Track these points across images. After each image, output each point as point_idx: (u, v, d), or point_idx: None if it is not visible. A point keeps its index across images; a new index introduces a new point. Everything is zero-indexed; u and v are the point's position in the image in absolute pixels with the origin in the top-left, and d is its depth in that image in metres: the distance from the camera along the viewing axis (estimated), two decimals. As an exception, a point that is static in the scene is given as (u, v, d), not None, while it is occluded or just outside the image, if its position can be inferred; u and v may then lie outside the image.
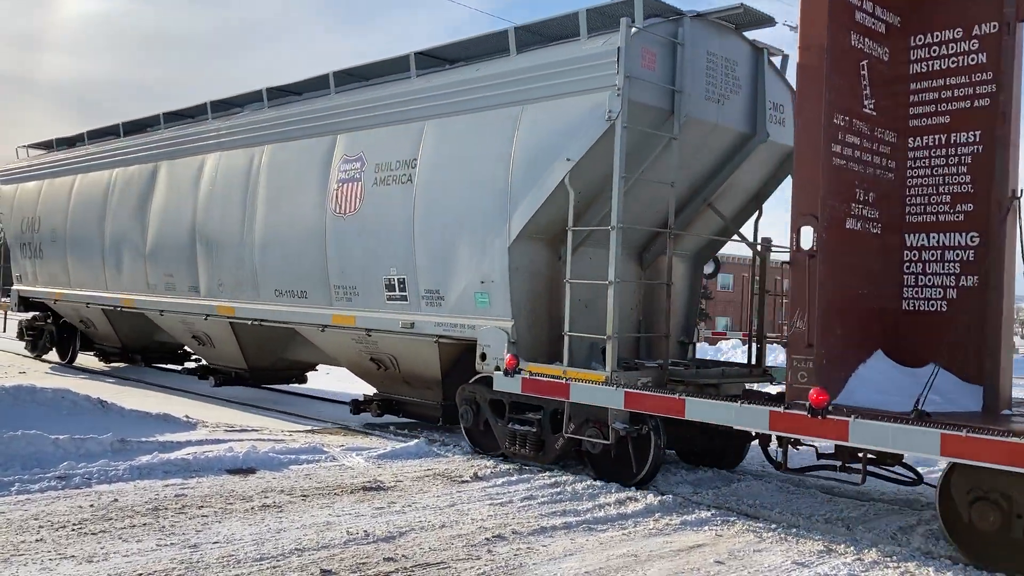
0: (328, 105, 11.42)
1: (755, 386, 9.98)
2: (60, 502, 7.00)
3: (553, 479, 8.41)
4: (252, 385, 14.18)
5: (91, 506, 6.90)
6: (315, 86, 12.09)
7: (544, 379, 8.42)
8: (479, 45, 10.07)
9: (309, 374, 14.69)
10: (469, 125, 9.55)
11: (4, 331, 20.55)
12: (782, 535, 6.81)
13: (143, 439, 9.29)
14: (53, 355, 19.22)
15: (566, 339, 8.53)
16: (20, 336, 19.82)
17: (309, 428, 11.29)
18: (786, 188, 9.54)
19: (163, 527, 6.38)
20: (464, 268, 9.44)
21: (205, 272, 13.19)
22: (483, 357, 9.16)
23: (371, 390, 11.64)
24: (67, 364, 18.40)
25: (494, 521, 6.84)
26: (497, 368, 8.86)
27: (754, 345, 9.92)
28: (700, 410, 7.35)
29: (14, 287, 19.21)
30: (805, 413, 6.45)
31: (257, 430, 10.77)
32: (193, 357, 17.02)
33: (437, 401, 10.39)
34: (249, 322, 12.52)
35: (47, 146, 18.92)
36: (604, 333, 8.30)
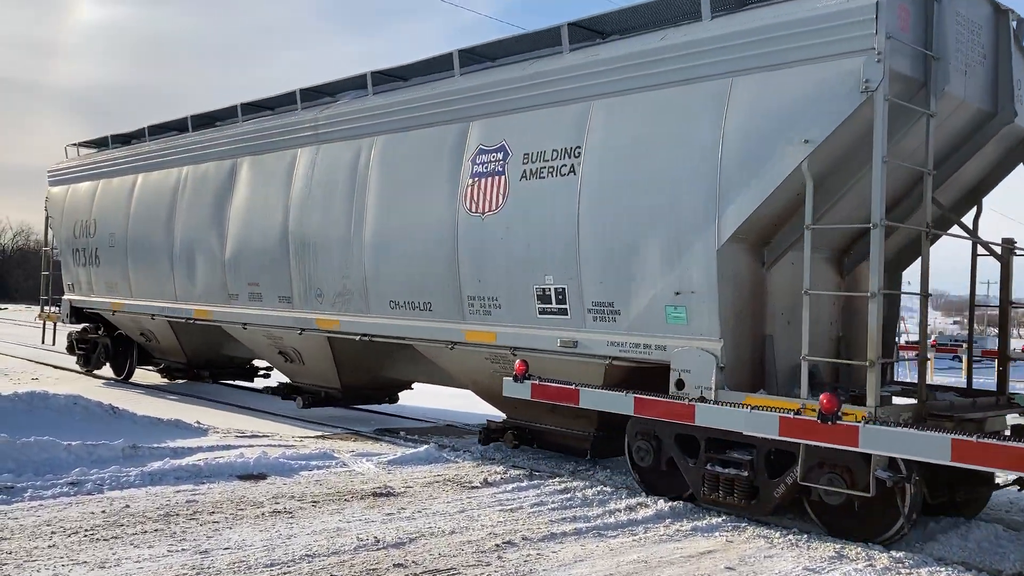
0: (455, 88, 9.86)
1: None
2: (72, 508, 7.04)
3: (563, 485, 8.40)
4: (343, 406, 12.79)
5: (103, 512, 6.93)
6: (428, 69, 10.74)
7: (553, 385, 8.39)
8: (652, 12, 8.53)
9: (402, 392, 13.11)
10: (655, 104, 8.06)
11: (53, 343, 18.48)
12: (793, 541, 6.78)
13: (155, 445, 9.32)
14: (107, 370, 17.41)
15: (804, 365, 7.04)
16: (70, 350, 17.79)
17: (319, 434, 11.31)
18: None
19: (174, 533, 6.40)
20: (650, 276, 7.97)
21: (299, 281, 11.57)
22: (679, 384, 7.68)
23: (475, 409, 10.57)
24: (123, 380, 16.69)
25: (504, 527, 6.84)
26: (702, 399, 7.47)
27: (968, 365, 8.73)
28: (710, 416, 7.30)
29: (65, 297, 17.41)
30: (815, 419, 6.42)
31: (268, 436, 10.80)
32: (262, 372, 16.03)
33: (588, 432, 9.04)
34: (357, 337, 10.91)
35: (100, 144, 17.17)
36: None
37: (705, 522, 7.24)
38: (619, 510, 7.55)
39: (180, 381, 16.41)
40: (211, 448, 9.55)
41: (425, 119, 10.13)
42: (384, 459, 9.30)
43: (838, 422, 6.28)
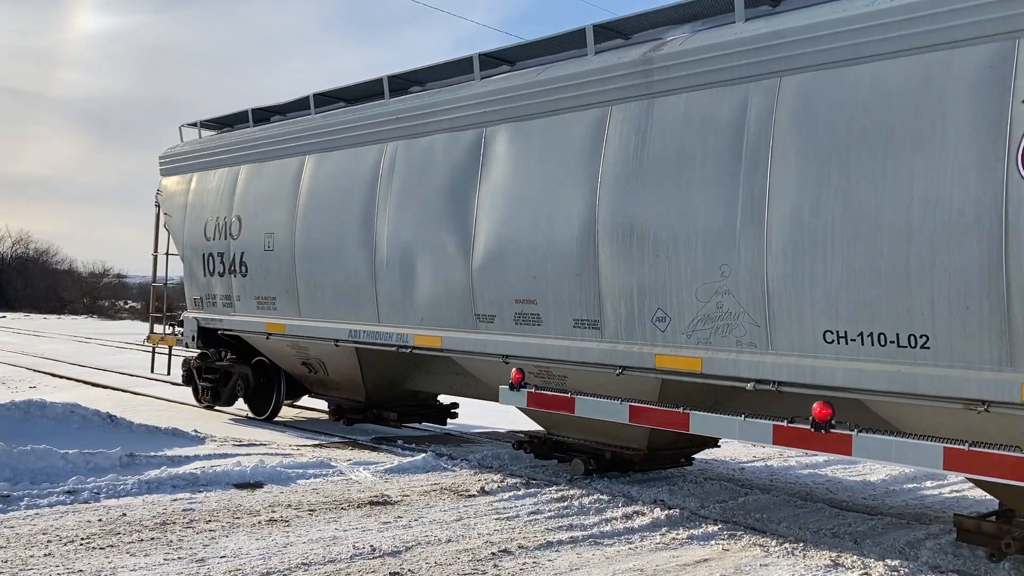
0: None
1: None
2: (69, 516, 7.04)
3: (560, 493, 8.41)
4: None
5: (99, 520, 6.94)
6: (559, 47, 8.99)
7: (549, 393, 8.41)
8: None
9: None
10: None
11: (168, 371, 15.20)
12: (789, 549, 6.79)
13: (152, 453, 9.33)
14: (231, 406, 14.00)
15: None
16: (189, 380, 14.32)
17: (317, 442, 11.31)
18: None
19: (170, 541, 6.41)
20: None
21: (618, 295, 7.90)
22: None
23: None
24: (266, 419, 13.06)
25: (500, 535, 6.85)
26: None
27: None
28: (704, 424, 7.32)
29: (189, 314, 13.64)
30: (808, 427, 6.43)
31: (265, 444, 10.81)
32: (453, 410, 12.39)
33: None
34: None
35: (233, 121, 13.63)
36: None
37: (701, 530, 7.25)
38: (616, 518, 7.55)
39: (355, 423, 12.33)
40: (208, 456, 9.55)
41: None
42: (381, 468, 9.31)
43: (831, 431, 6.29)
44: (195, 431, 11.22)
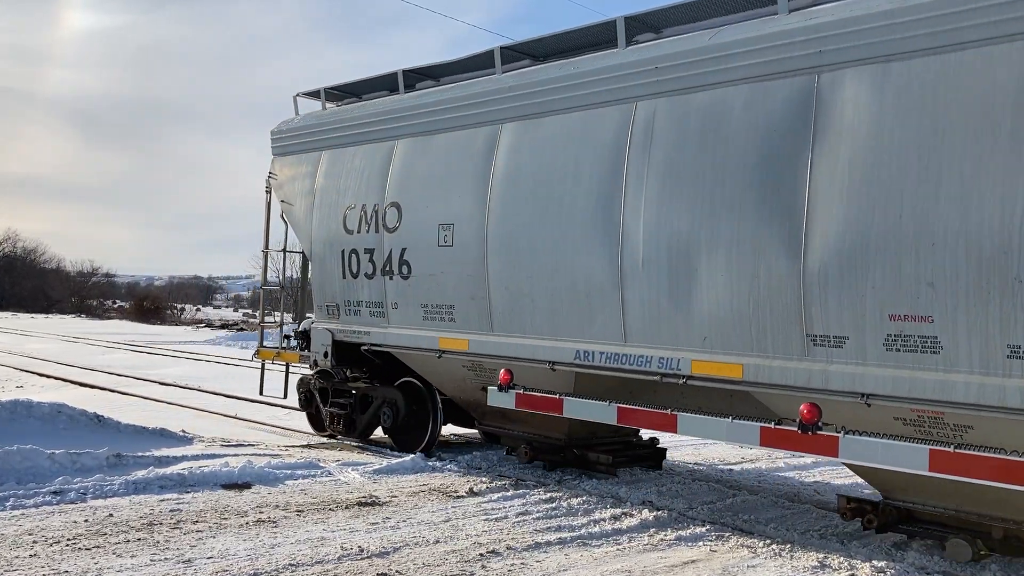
0: None
1: None
2: (55, 517, 7.01)
3: (549, 494, 8.41)
4: None
5: (86, 521, 6.91)
6: None
7: (537, 395, 8.41)
8: None
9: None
10: None
11: (285, 395, 12.25)
12: (776, 551, 6.81)
13: (139, 454, 9.29)
14: (362, 436, 11.29)
15: None
16: (305, 404, 11.79)
17: (305, 443, 11.29)
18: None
19: (157, 542, 6.38)
20: None
21: None
22: None
23: None
24: (422, 452, 10.26)
25: (489, 536, 6.85)
26: None
27: None
28: (692, 426, 7.34)
29: (319, 325, 11.12)
30: (796, 429, 6.46)
31: (253, 445, 10.78)
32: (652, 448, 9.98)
33: None
34: None
35: (370, 88, 11.27)
36: None
37: (689, 532, 7.27)
38: (604, 519, 7.56)
39: (557, 466, 9.73)
40: (196, 457, 9.52)
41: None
42: (370, 468, 9.30)
43: (818, 432, 6.32)
44: (183, 431, 11.18)
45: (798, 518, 8.04)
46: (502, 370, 8.73)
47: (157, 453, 9.55)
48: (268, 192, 12.18)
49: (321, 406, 11.52)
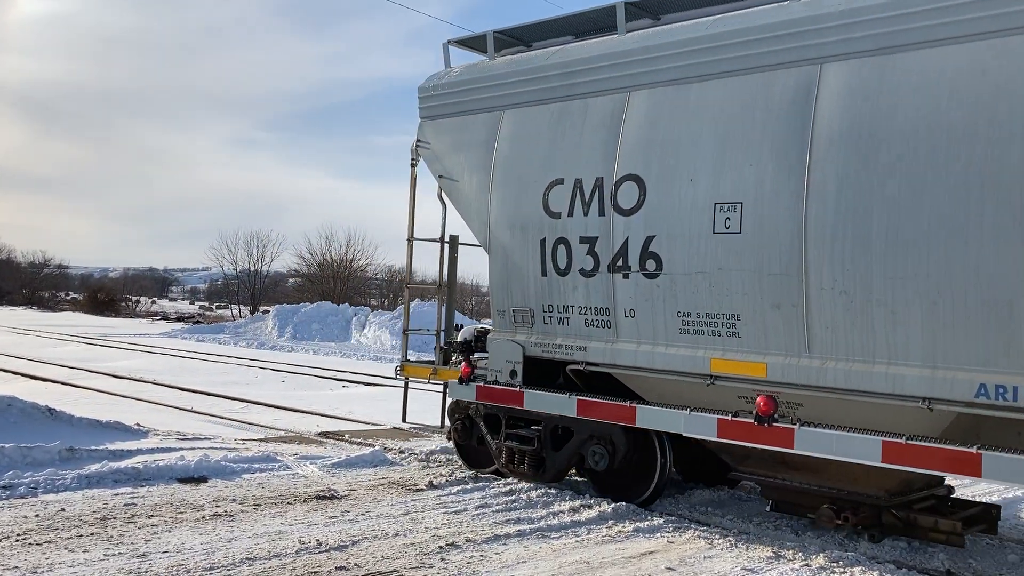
0: None
1: None
2: (4, 512, 6.87)
3: (508, 487, 8.43)
4: None
5: (36, 516, 6.78)
6: None
7: (498, 388, 8.42)
8: None
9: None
10: None
11: (441, 424, 9.91)
12: (733, 542, 6.90)
13: (92, 447, 9.13)
14: (554, 479, 8.65)
15: None
16: (462, 434, 9.14)
17: (262, 437, 11.18)
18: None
19: (111, 537, 6.28)
20: None
21: None
22: None
23: None
24: (642, 504, 8.04)
25: (448, 529, 6.85)
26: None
27: None
28: (650, 417, 7.41)
29: (497, 335, 8.77)
30: (752, 421, 6.54)
31: (210, 439, 10.65)
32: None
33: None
34: None
35: (555, 30, 8.87)
36: None
37: (647, 523, 7.33)
38: (563, 511, 7.60)
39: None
40: (151, 451, 9.39)
41: None
42: (328, 462, 9.24)
43: (774, 424, 6.40)
44: (138, 425, 11.02)
45: (755, 509, 8.15)
46: (760, 397, 6.76)
47: (111, 447, 9.39)
48: (414, 165, 9.67)
49: (489, 438, 8.84)
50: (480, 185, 8.86)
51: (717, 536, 7.04)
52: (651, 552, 6.55)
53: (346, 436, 11.24)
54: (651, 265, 7.48)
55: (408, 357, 10.03)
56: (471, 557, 6.15)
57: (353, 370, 23.10)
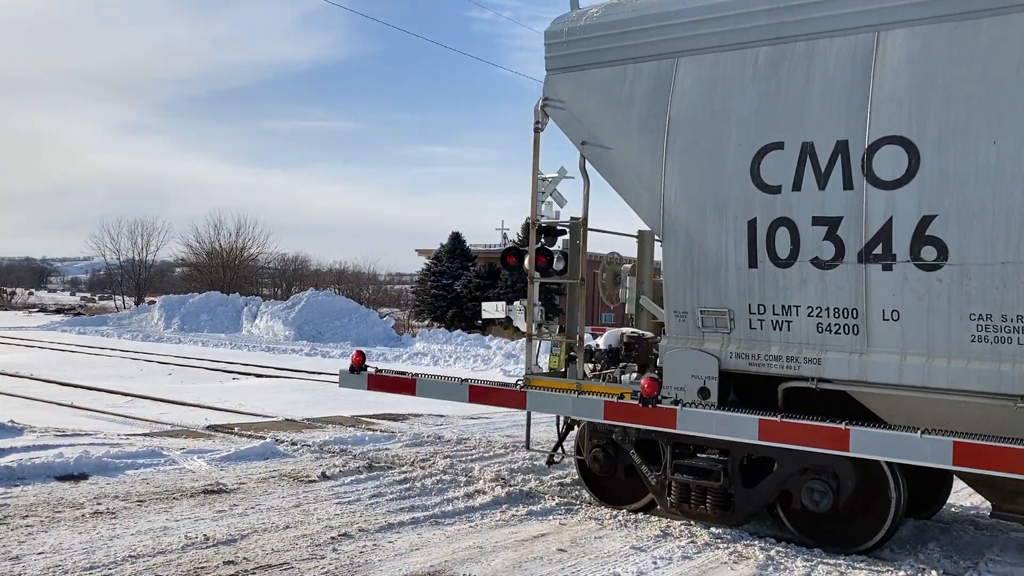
0: None
1: None
2: None
3: (403, 475, 8.40)
4: None
5: (-102, 521, 6.39)
6: None
7: (391, 376, 8.38)
8: None
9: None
10: None
11: (560, 457, 8.62)
12: (623, 521, 7.08)
13: (-39, 447, 8.65)
14: (744, 520, 7.04)
15: None
16: (604, 465, 7.54)
17: (147, 431, 10.81)
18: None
19: (-19, 540, 5.98)
20: None
21: None
22: None
23: None
24: (866, 552, 6.52)
25: (341, 520, 6.79)
26: None
27: None
28: (540, 401, 7.49)
29: (675, 343, 7.11)
30: (637, 403, 6.68)
31: (91, 434, 10.22)
32: None
33: None
34: None
35: None
36: None
37: (540, 507, 7.44)
38: (457, 498, 7.63)
39: None
40: (27, 448, 8.94)
41: None
42: (217, 456, 9.01)
43: (657, 406, 6.54)
44: (11, 422, 10.48)
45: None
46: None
47: (-18, 446, 8.91)
48: (539, 130, 7.87)
49: (646, 470, 7.25)
50: (648, 152, 7.12)
51: (607, 517, 7.21)
52: (543, 535, 6.65)
53: (236, 429, 10.98)
54: (929, 253, 5.92)
55: (536, 368, 8.08)
56: (364, 547, 6.12)
57: (244, 362, 22.56)
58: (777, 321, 6.58)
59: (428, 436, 10.91)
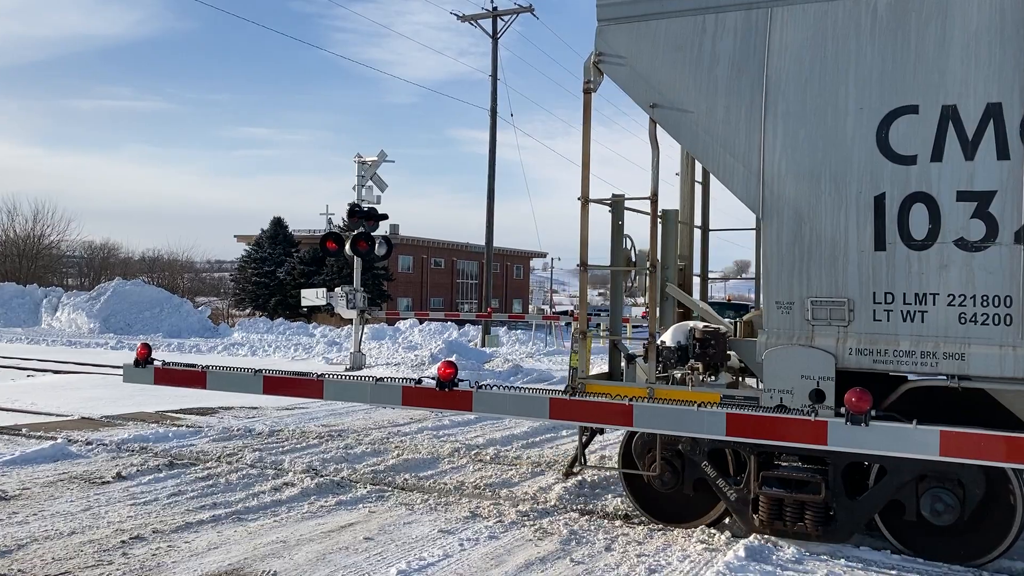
0: None
1: None
2: None
3: (207, 472, 8.06)
4: None
5: None
6: None
7: (179, 369, 7.81)
8: None
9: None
10: None
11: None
12: (433, 505, 7.09)
13: None
14: (838, 538, 6.20)
15: None
16: (669, 480, 6.63)
17: (-80, 438, 9.84)
18: None
19: None
20: None
21: None
22: None
23: None
24: (978, 567, 5.85)
25: (134, 522, 6.43)
26: None
27: None
28: (336, 391, 7.25)
29: (777, 339, 6.14)
30: (434, 387, 6.62)
31: None
32: None
33: None
34: None
35: None
36: None
37: (350, 496, 7.34)
38: (263, 492, 7.40)
39: None
40: None
41: None
42: (-1, 460, 8.32)
43: (454, 389, 6.54)
44: None
45: (455, 473, 8.42)
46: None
47: None
48: (589, 90, 6.83)
49: (723, 484, 6.43)
50: (742, 117, 6.25)
51: (418, 501, 7.20)
52: (351, 524, 6.56)
53: (23, 430, 10.18)
54: None
55: (587, 370, 7.04)
56: (157, 549, 5.82)
57: (43, 357, 21.02)
58: (908, 311, 5.77)
59: (238, 429, 10.53)
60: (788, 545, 5.95)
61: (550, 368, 20.57)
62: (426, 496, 7.39)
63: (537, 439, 10.42)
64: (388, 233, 34.29)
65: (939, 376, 5.74)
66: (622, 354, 7.30)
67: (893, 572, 5.61)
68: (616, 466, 7.19)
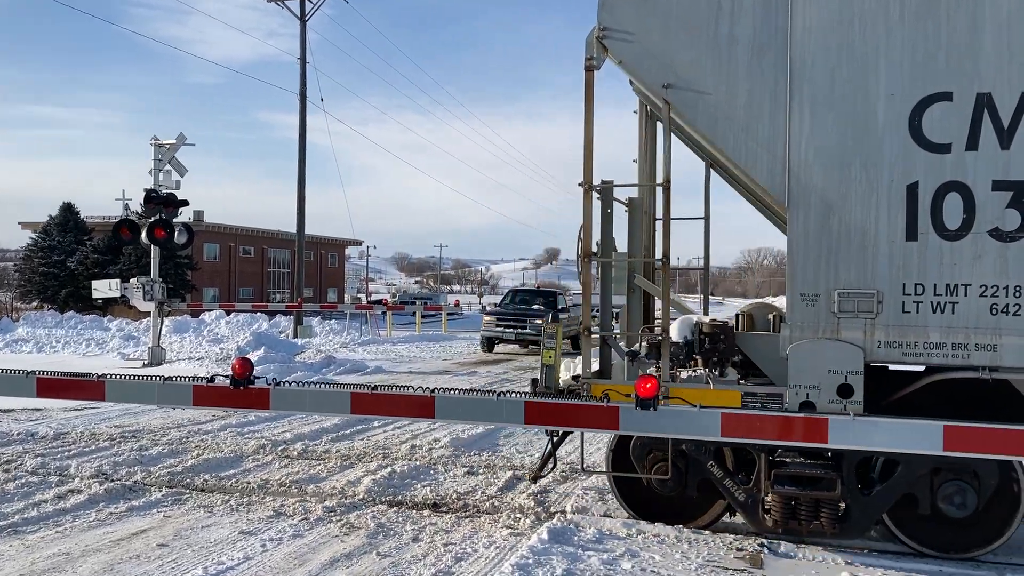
0: None
1: None
2: None
3: (-21, 482, 7.38)
4: None
5: None
6: None
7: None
8: None
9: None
10: None
11: (674, 481, 6.35)
12: (234, 505, 6.82)
13: None
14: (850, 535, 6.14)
15: None
16: (672, 483, 6.34)
17: None
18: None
19: None
20: None
21: None
22: None
23: None
24: (973, 558, 6.00)
25: None
26: None
27: None
28: (119, 392, 6.74)
29: (800, 334, 5.91)
30: (228, 386, 6.26)
31: None
32: None
33: None
34: None
35: None
36: None
37: (143, 500, 6.93)
38: (45, 501, 6.86)
39: None
40: None
41: None
42: None
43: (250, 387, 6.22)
44: None
45: (259, 471, 8.14)
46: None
47: None
48: (592, 68, 6.34)
49: (731, 484, 6.15)
50: (765, 101, 5.97)
51: (219, 502, 6.91)
52: (143, 531, 6.19)
53: None
54: None
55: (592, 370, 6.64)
56: (-85, 572, 5.26)
57: None
58: (939, 303, 5.70)
59: (18, 433, 9.71)
60: (589, 527, 6.17)
61: (364, 358, 20.33)
62: (227, 497, 7.09)
63: (347, 431, 10.26)
64: (192, 220, 32.61)
65: (967, 368, 5.68)
66: (619, 351, 6.95)
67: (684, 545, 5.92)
68: (605, 470, 6.82)
